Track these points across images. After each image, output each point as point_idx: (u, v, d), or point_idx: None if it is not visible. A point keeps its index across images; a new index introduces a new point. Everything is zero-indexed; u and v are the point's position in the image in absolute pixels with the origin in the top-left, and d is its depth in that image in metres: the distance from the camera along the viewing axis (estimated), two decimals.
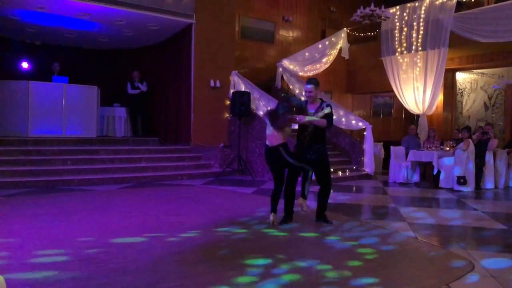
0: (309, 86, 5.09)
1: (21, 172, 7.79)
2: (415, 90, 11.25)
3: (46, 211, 5.60)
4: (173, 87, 11.04)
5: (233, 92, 10.10)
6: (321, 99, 5.18)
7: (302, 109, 4.98)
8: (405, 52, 11.41)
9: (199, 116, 10.17)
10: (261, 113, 9.94)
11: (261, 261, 3.70)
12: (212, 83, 10.26)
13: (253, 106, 9.95)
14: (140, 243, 4.22)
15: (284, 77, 12.05)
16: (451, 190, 8.53)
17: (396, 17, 11.52)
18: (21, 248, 3.95)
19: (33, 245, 4.04)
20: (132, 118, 11.72)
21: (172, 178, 8.87)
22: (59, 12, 9.17)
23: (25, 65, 11.08)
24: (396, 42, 11.58)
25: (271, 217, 5.05)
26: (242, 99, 9.58)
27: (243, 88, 10.29)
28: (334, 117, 5.20)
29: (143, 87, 11.49)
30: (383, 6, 9.65)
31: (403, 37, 11.44)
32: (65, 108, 9.78)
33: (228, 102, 10.43)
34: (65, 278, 3.20)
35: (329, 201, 5.22)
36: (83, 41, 11.65)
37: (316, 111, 5.00)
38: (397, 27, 11.55)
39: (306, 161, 5.00)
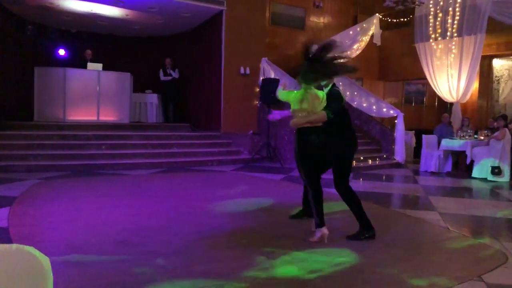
0: None
1: (59, 156, 8.10)
2: (449, 78, 10.95)
3: (82, 194, 5.83)
4: (204, 74, 11.15)
5: (262, 79, 10.12)
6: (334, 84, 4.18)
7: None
8: (439, 38, 11.09)
9: (229, 103, 10.26)
10: None
11: (288, 248, 3.76)
12: (242, 70, 10.31)
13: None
14: (172, 227, 4.35)
15: None
16: (484, 180, 8.33)
17: (431, 2, 11.18)
18: (61, 229, 4.15)
19: (71, 227, 4.24)
20: (164, 104, 11.94)
21: (203, 163, 9.03)
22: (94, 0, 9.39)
23: (61, 52, 11.42)
24: (431, 28, 11.27)
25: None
26: (271, 86, 9.56)
27: (273, 75, 10.29)
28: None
29: (175, 74, 11.66)
30: None
31: (437, 22, 11.12)
32: (100, 94, 10.05)
33: (257, 89, 10.46)
34: (102, 260, 3.35)
35: (359, 189, 4.54)
36: (116, 28, 11.88)
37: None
38: (432, 13, 11.22)
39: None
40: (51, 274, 1.52)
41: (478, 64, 10.56)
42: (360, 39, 12.12)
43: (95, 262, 3.28)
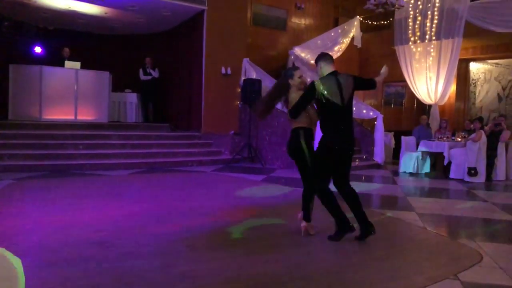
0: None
1: (34, 155, 7.91)
2: (428, 80, 11.13)
3: (58, 195, 5.70)
4: (185, 74, 11.06)
5: (244, 79, 10.09)
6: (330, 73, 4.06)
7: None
8: (418, 41, 11.26)
9: (210, 103, 10.19)
10: None
11: (269, 248, 3.75)
12: (223, 70, 10.26)
13: (264, 94, 9.94)
14: (151, 228, 4.28)
15: (296, 65, 11.98)
16: (461, 181, 8.48)
17: (410, 5, 11.34)
18: (34, 231, 4.04)
19: (47, 228, 4.13)
20: (144, 104, 11.79)
21: (183, 164, 8.95)
22: None
23: (38, 49, 11.16)
24: (410, 31, 11.43)
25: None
26: (253, 86, 9.58)
27: (254, 75, 10.28)
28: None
29: (155, 74, 11.53)
30: None
31: (417, 26, 11.29)
32: (77, 93, 9.86)
33: (239, 90, 10.43)
34: (77, 260, 3.27)
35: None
36: (96, 27, 11.68)
37: None
38: (411, 16, 11.38)
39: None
40: (23, 276, 1.48)
41: (456, 67, 10.76)
42: (341, 41, 12.22)
43: (70, 264, 3.20)
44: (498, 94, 13.15)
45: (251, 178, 7.81)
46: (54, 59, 10.46)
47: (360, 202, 4.07)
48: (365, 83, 4.20)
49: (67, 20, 11.02)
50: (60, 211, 4.80)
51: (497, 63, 12.92)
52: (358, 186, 7.43)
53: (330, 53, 4.37)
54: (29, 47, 11.11)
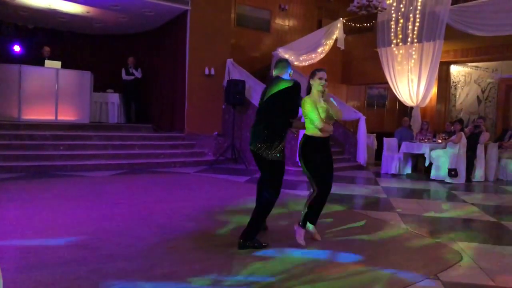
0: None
1: (13, 156, 7.74)
2: (410, 82, 11.27)
3: (38, 196, 5.59)
4: (168, 74, 10.97)
5: (228, 80, 10.07)
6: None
7: None
8: (400, 43, 11.39)
9: (193, 104, 10.13)
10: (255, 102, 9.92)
11: (253, 250, 3.73)
12: (206, 71, 10.22)
13: (247, 95, 9.93)
14: (132, 229, 4.23)
15: None
16: (442, 182, 8.61)
17: (393, 8, 11.47)
18: (13, 233, 3.95)
19: (26, 230, 4.04)
20: (126, 104, 11.65)
21: (165, 165, 8.87)
22: None
23: (17, 48, 10.94)
24: (392, 34, 11.56)
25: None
26: (236, 87, 9.56)
27: (238, 76, 10.25)
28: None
29: (138, 74, 11.40)
30: None
31: (399, 28, 11.42)
32: (58, 93, 9.68)
33: (222, 91, 10.39)
34: (57, 263, 3.21)
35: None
36: (77, 26, 11.50)
37: None
38: (394, 19, 11.51)
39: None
40: (1, 279, 1.44)
41: (437, 69, 10.91)
42: (324, 42, 12.27)
43: (51, 267, 3.13)
44: (477, 96, 13.41)
45: (234, 179, 7.78)
46: (34, 58, 10.26)
47: (256, 212, 3.96)
48: (285, 104, 3.95)
49: (47, 18, 10.84)
50: (40, 213, 4.70)
51: (476, 66, 13.17)
52: (340, 187, 7.51)
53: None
54: (8, 46, 10.88)
